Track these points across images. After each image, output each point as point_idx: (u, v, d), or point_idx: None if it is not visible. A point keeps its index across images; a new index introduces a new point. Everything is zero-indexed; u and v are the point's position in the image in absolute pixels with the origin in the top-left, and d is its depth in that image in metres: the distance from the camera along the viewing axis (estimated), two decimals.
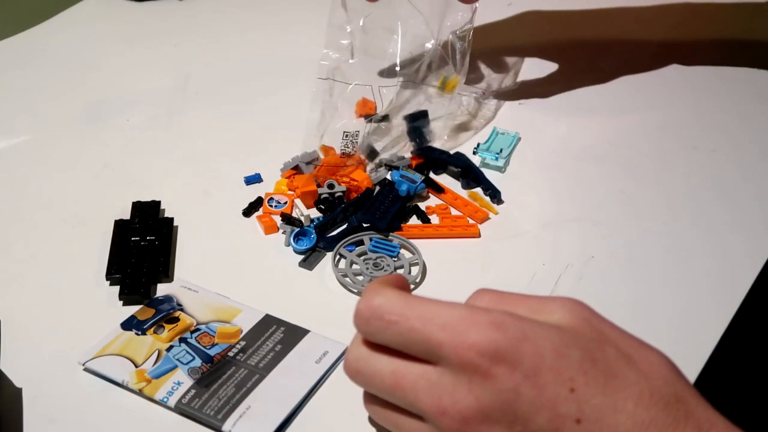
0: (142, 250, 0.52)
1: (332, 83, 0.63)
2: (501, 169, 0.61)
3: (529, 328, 0.33)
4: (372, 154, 0.60)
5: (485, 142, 0.62)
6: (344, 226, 0.55)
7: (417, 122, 0.62)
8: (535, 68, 0.75)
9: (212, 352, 0.45)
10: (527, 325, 0.33)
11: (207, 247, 0.54)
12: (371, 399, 0.38)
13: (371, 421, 0.40)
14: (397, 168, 0.58)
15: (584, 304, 0.35)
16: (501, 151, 0.61)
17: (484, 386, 0.32)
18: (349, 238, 0.53)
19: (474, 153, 0.61)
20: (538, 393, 0.32)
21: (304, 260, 0.53)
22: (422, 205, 0.57)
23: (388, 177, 0.59)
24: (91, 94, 0.71)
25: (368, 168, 0.59)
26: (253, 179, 0.60)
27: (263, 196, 0.57)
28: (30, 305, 0.49)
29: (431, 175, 0.60)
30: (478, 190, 0.59)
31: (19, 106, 0.70)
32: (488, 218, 0.56)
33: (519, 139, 0.64)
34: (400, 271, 0.52)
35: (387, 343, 0.35)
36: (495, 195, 0.58)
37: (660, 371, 0.33)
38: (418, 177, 0.57)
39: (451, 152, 0.61)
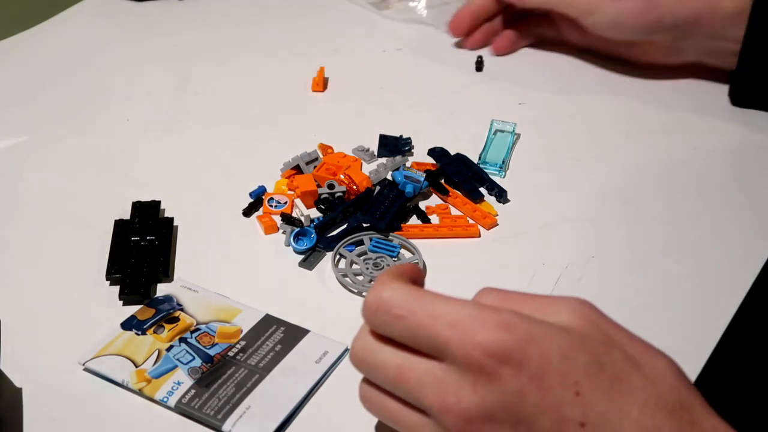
0: (142, 250, 0.52)
1: None
2: (501, 174, 0.61)
3: (536, 330, 0.33)
4: None
5: (484, 145, 0.62)
6: (344, 226, 0.55)
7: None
8: (536, 67, 0.75)
9: (212, 352, 0.45)
10: (535, 326, 0.33)
11: (207, 247, 0.54)
12: (371, 387, 0.37)
13: (374, 420, 0.40)
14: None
15: (591, 305, 0.35)
16: (503, 162, 0.61)
17: (489, 386, 0.32)
18: (349, 238, 0.53)
19: (478, 161, 0.61)
20: (543, 395, 0.32)
21: (304, 260, 0.53)
22: (422, 205, 0.57)
23: (389, 177, 0.59)
24: (91, 94, 0.71)
25: None
26: (258, 192, 0.57)
27: (263, 196, 0.57)
28: (30, 305, 0.49)
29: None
30: (482, 189, 0.59)
31: (19, 106, 0.70)
32: (496, 224, 0.56)
33: (518, 135, 0.64)
34: None
35: (394, 336, 0.35)
36: (501, 194, 0.58)
37: (666, 377, 0.33)
38: (421, 176, 0.57)
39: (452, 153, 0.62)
